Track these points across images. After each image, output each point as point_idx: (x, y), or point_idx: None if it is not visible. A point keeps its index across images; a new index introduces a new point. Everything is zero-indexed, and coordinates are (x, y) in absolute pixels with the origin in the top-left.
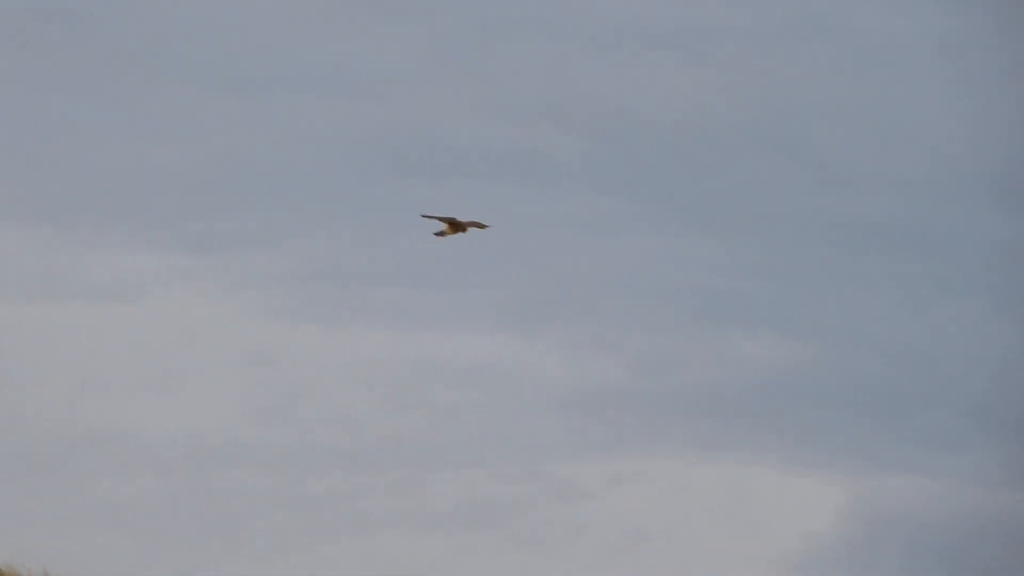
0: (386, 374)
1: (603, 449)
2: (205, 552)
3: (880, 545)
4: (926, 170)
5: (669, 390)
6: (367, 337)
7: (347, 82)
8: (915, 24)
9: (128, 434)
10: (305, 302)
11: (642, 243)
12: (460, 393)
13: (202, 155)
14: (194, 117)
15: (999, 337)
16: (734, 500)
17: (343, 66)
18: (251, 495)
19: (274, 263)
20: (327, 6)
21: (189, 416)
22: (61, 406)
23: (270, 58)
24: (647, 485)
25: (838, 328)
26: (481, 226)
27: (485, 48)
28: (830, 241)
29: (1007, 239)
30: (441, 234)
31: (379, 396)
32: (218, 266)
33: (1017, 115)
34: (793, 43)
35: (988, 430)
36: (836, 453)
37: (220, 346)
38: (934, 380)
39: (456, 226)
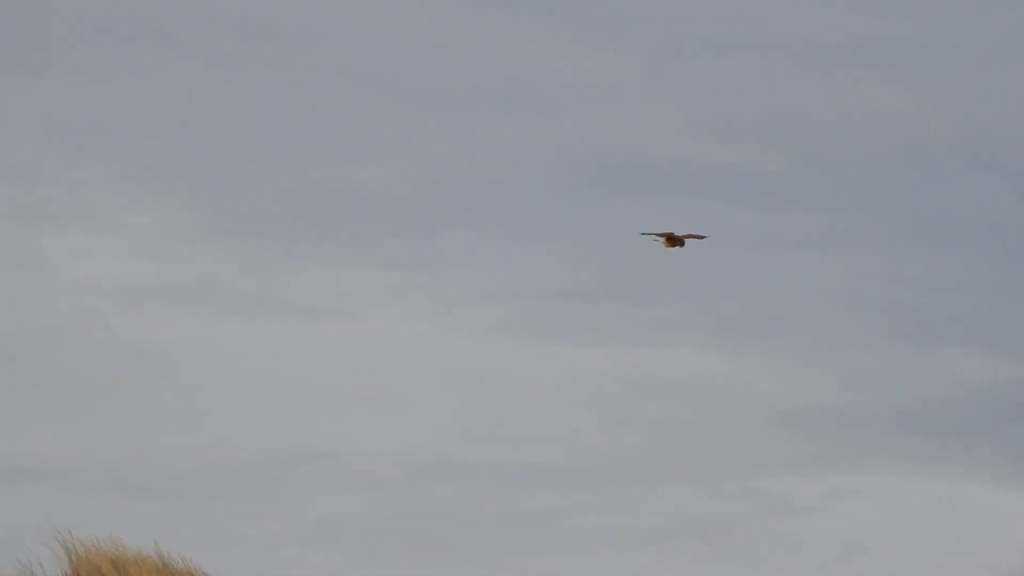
0: (599, 390)
1: (816, 465)
2: (419, 570)
3: None
4: None
5: (881, 406)
6: (580, 354)
7: (555, 100)
8: None
9: (343, 452)
10: (518, 319)
11: (852, 260)
12: (673, 409)
13: (414, 172)
14: (405, 135)
15: None
16: (948, 515)
17: (551, 84)
18: (465, 512)
19: (487, 280)
20: (535, 25)
21: (403, 434)
22: (277, 423)
23: (478, 76)
24: (860, 501)
25: None
26: (699, 237)
27: (693, 66)
28: None
29: None
30: (658, 241)
31: (593, 412)
32: (432, 283)
33: None
34: (1003, 59)
35: None
36: None
37: (434, 363)
38: None
39: (674, 240)
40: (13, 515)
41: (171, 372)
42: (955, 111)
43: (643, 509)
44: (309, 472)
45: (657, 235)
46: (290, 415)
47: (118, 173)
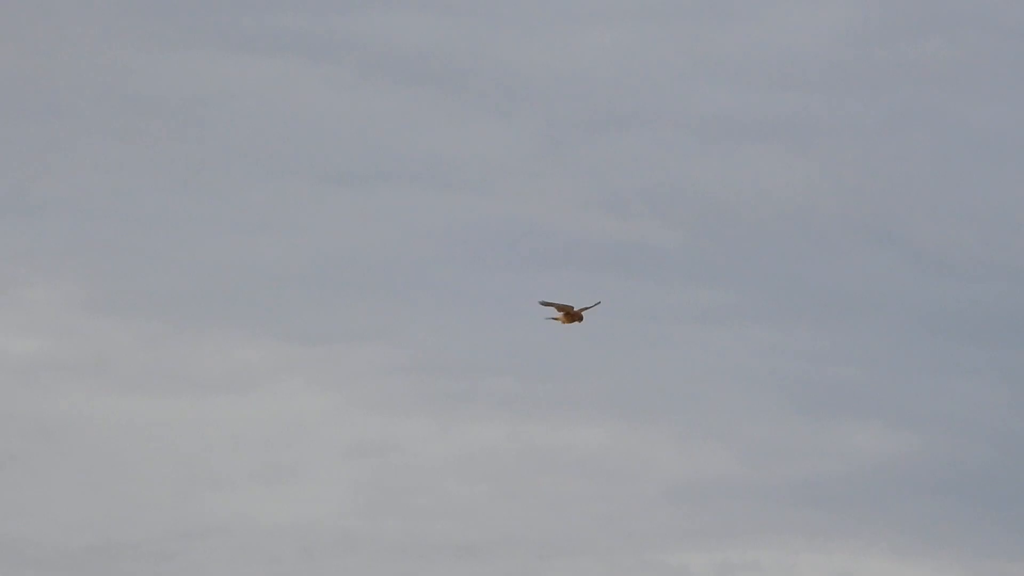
0: (496, 465)
1: (713, 538)
2: None
3: None
4: None
5: (778, 479)
6: (477, 428)
7: (454, 175)
8: (1014, 112)
9: (238, 526)
10: (415, 393)
11: (748, 333)
12: (569, 483)
13: (311, 247)
14: (302, 209)
15: None
16: None
17: (449, 159)
18: None
19: (384, 354)
20: (433, 100)
21: (300, 508)
22: (172, 498)
23: (377, 151)
24: (759, 574)
25: (946, 416)
26: (593, 305)
27: (587, 141)
28: (935, 330)
29: None
30: (556, 319)
31: (489, 487)
32: (328, 357)
33: None
34: (894, 133)
35: None
36: (949, 541)
37: (330, 438)
38: None
39: (572, 316)
40: None
41: (67, 446)
42: (846, 185)
43: None
44: (205, 547)
45: (557, 306)
46: (185, 491)
47: (15, 248)
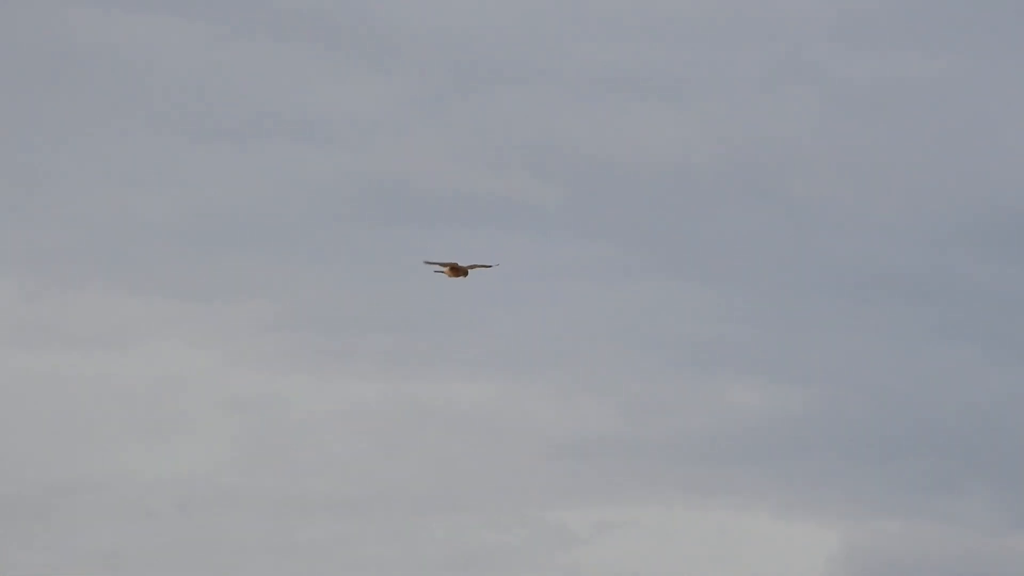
0: (377, 421)
1: (594, 495)
2: None
3: None
4: (910, 216)
5: (660, 436)
6: (358, 385)
7: (331, 131)
8: (892, 69)
9: (116, 482)
10: (294, 350)
11: (629, 289)
12: (450, 439)
13: (188, 203)
14: (178, 165)
15: (989, 381)
16: (727, 547)
17: (327, 115)
18: (241, 543)
19: (264, 311)
20: (310, 56)
21: (177, 464)
22: (49, 453)
23: (253, 107)
24: (638, 531)
25: (829, 373)
26: (484, 266)
27: (466, 97)
28: (818, 287)
29: (994, 284)
30: (442, 271)
31: (370, 443)
32: (209, 313)
33: (1002, 161)
34: (772, 88)
35: (980, 474)
36: (829, 499)
37: (209, 394)
38: (926, 425)
39: (458, 270)
40: None
41: None
42: (724, 139)
43: (420, 540)
44: (82, 502)
45: (441, 264)
46: (63, 445)
47: None
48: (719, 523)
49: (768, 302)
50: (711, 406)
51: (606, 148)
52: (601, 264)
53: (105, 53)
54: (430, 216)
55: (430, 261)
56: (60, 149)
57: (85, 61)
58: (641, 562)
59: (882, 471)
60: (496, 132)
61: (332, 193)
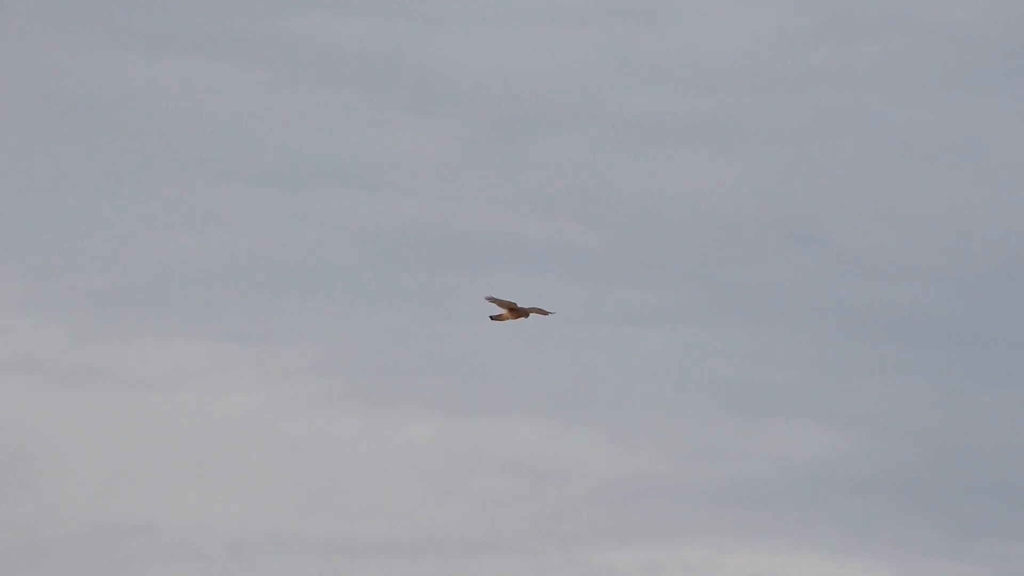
0: (428, 464)
1: (641, 537)
2: None
3: None
4: (957, 262)
5: (708, 479)
6: (408, 428)
7: (379, 176)
8: (938, 116)
9: (166, 525)
10: (345, 393)
11: (677, 334)
12: (500, 482)
13: (238, 247)
14: (228, 210)
15: None
16: None
17: (374, 160)
18: None
19: (313, 354)
20: (357, 101)
21: (228, 507)
22: (101, 496)
23: (301, 152)
24: (687, 573)
25: (877, 416)
26: (544, 312)
27: (512, 140)
28: (863, 331)
29: None
30: (498, 318)
31: (421, 487)
32: (261, 357)
33: None
34: (818, 136)
35: None
36: (879, 541)
37: (262, 437)
38: (974, 466)
39: (517, 312)
40: None
41: None
42: (771, 187)
43: None
44: (133, 545)
45: (502, 302)
46: (113, 488)
47: None
48: (769, 565)
49: (815, 346)
50: (759, 449)
51: (652, 193)
52: (648, 308)
53: (154, 97)
54: (477, 260)
55: (492, 298)
56: (109, 193)
57: (134, 105)
58: None
59: (932, 513)
60: (542, 176)
61: (381, 237)
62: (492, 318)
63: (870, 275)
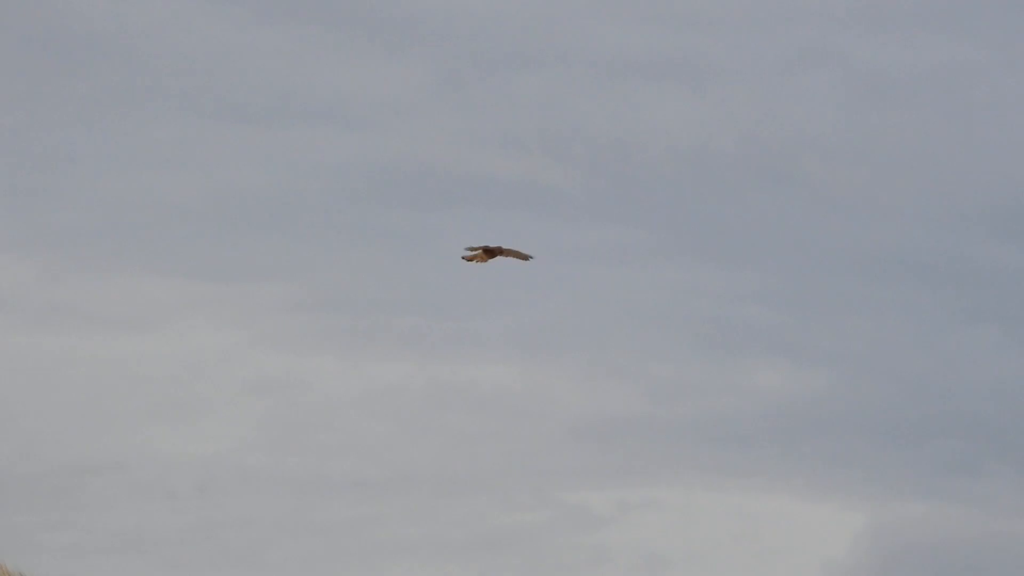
0: (401, 402)
1: (616, 476)
2: None
3: (899, 571)
4: (932, 200)
5: (683, 418)
6: (381, 366)
7: (352, 113)
8: (913, 55)
9: (138, 462)
10: (317, 331)
11: (650, 272)
12: (474, 421)
13: (210, 186)
14: (200, 148)
15: (1011, 363)
16: (752, 527)
17: (348, 98)
18: (264, 523)
19: (288, 292)
20: (331, 39)
21: (202, 444)
22: (70, 435)
23: (275, 89)
24: (661, 512)
25: (851, 355)
26: (523, 257)
27: (484, 80)
28: (840, 270)
29: (1016, 267)
30: (471, 259)
31: (392, 425)
32: (233, 295)
33: (1019, 146)
34: (792, 73)
35: (1004, 456)
36: (853, 480)
37: (234, 374)
38: (949, 406)
39: (491, 252)
40: None
41: None
42: (745, 126)
43: (444, 520)
44: (105, 483)
45: (474, 249)
46: (86, 426)
47: None
48: (741, 504)
49: (791, 285)
50: (734, 388)
51: (626, 132)
52: (622, 247)
53: (126, 36)
54: (451, 199)
55: (471, 247)
56: (79, 132)
57: (106, 44)
58: (663, 542)
59: (906, 453)
60: (515, 115)
61: (353, 175)
62: (465, 259)
63: (845, 214)
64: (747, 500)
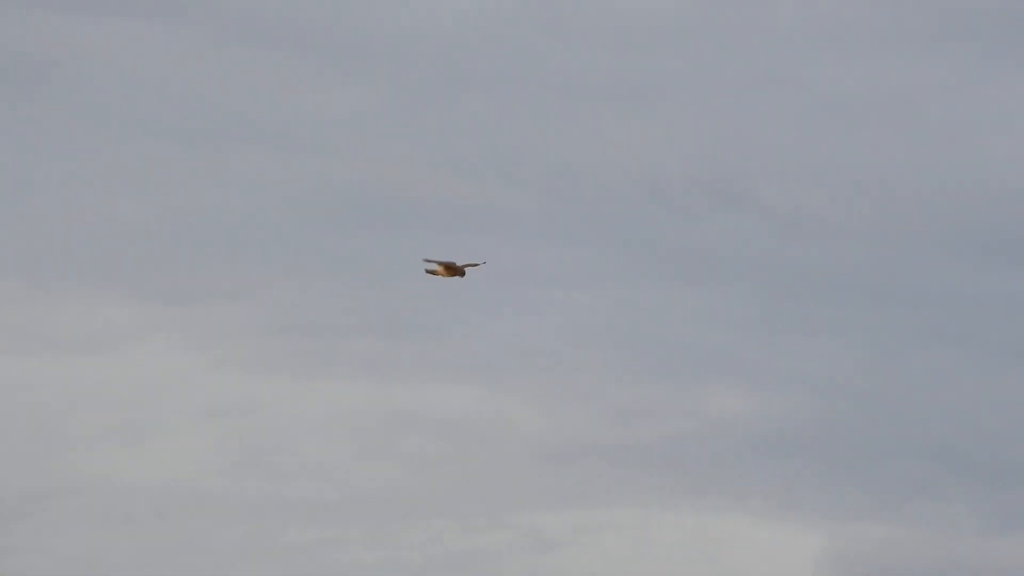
0: (359, 426)
1: (571, 499)
2: None
3: None
4: (888, 223)
5: (641, 441)
6: (339, 389)
7: (305, 137)
8: (864, 76)
9: (95, 486)
10: (276, 354)
11: (608, 295)
12: (431, 444)
13: (168, 208)
14: (159, 171)
15: (970, 385)
16: (710, 550)
17: (304, 121)
18: (222, 547)
19: (245, 315)
20: (284, 62)
21: (159, 468)
22: (28, 458)
23: (232, 113)
24: (617, 534)
25: (809, 378)
26: (475, 264)
27: (437, 102)
28: (797, 293)
29: (973, 289)
30: (434, 272)
31: (351, 447)
32: (189, 318)
33: (980, 168)
34: (744, 96)
35: (963, 478)
36: (812, 502)
37: (191, 398)
38: (909, 429)
39: (453, 270)
40: None
41: None
42: (697, 148)
43: (399, 543)
44: (61, 507)
45: (439, 263)
46: (43, 450)
47: None
48: (699, 526)
49: (748, 307)
50: (692, 411)
51: (580, 155)
52: (577, 270)
53: (84, 58)
54: (407, 221)
55: (429, 259)
56: (40, 154)
57: (60, 66)
58: (620, 565)
59: (864, 475)
60: (470, 138)
61: (309, 198)
62: (428, 272)
63: (802, 237)
64: (705, 523)
